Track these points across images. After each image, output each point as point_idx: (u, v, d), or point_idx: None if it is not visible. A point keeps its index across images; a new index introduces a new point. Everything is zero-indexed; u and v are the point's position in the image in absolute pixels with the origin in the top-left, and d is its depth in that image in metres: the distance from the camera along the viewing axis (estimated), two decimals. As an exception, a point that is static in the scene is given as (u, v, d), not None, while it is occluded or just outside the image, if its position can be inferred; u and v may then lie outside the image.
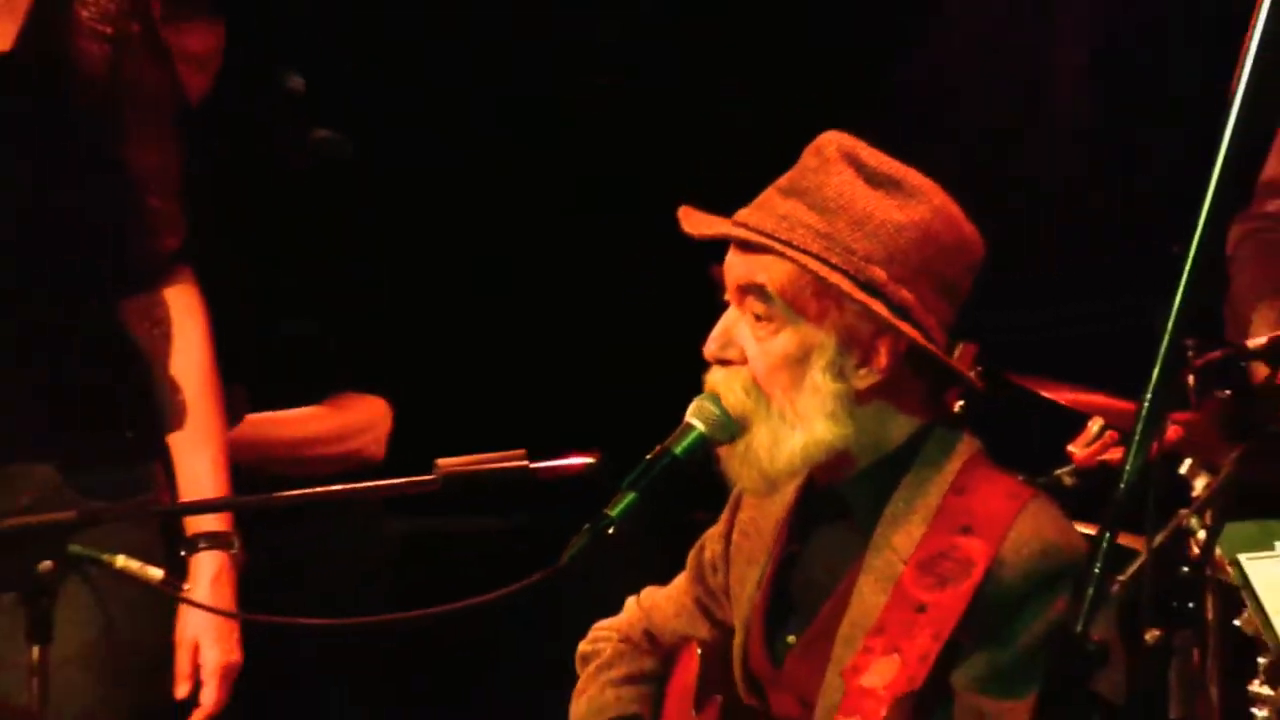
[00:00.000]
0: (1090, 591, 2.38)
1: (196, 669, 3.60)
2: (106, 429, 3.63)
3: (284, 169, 4.45)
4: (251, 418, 4.18)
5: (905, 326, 2.92)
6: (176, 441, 3.61)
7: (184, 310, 3.71)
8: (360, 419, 4.36)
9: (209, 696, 3.56)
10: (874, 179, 2.97)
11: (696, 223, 3.01)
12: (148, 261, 3.68)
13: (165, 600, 3.44)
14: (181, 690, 3.55)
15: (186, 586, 3.33)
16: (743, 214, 2.96)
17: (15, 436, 3.57)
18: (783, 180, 3.01)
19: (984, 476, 2.99)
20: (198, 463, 3.64)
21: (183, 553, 3.52)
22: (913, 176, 2.98)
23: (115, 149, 3.67)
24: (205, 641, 3.57)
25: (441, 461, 3.15)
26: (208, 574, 3.54)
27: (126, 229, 3.68)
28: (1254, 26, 2.59)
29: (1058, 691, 2.42)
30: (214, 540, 3.49)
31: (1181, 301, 2.36)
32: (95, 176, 3.68)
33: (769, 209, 2.95)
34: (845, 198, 2.97)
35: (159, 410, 3.65)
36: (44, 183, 3.64)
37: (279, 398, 4.25)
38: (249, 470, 4.02)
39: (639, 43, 6.37)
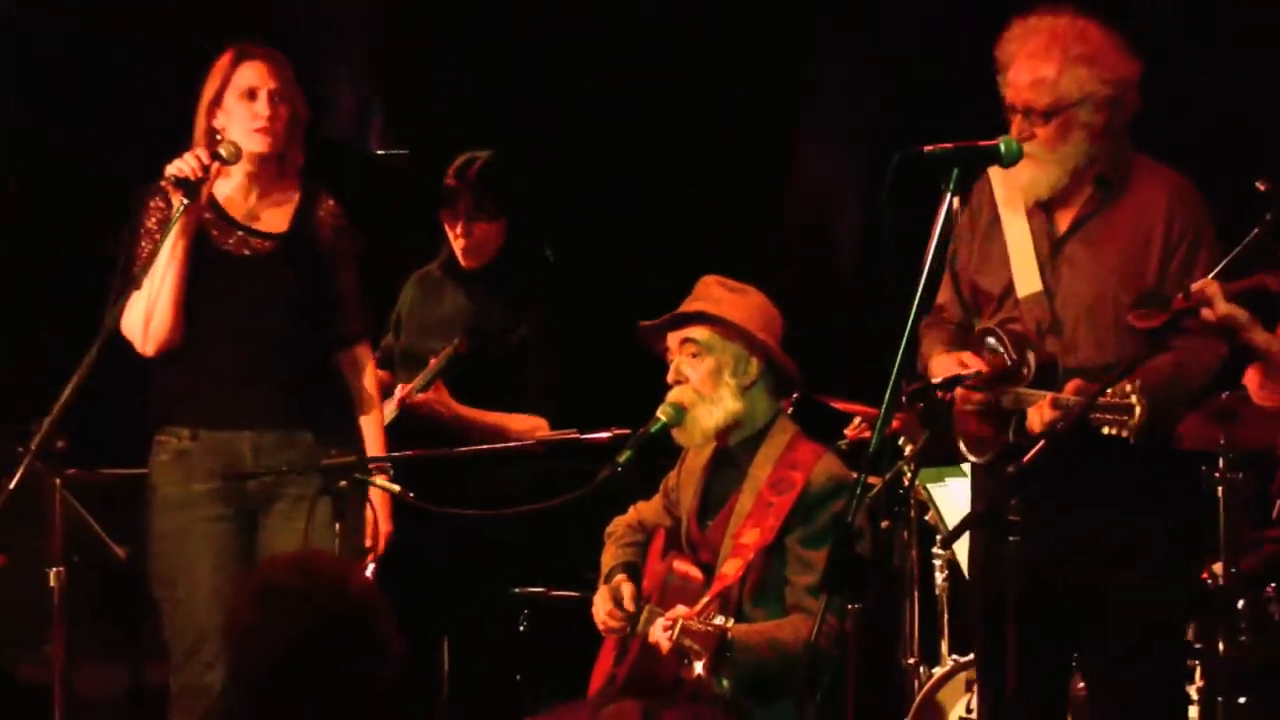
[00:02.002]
0: (854, 501, 3.78)
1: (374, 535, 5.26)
2: (332, 414, 5.27)
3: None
4: (485, 412, 5.83)
5: (767, 348, 4.78)
6: (361, 421, 5.30)
7: (364, 360, 5.35)
8: (531, 427, 5.84)
9: (380, 547, 5.22)
10: (733, 290, 4.87)
11: (647, 322, 4.91)
12: (348, 334, 5.34)
13: (361, 504, 5.12)
14: (367, 542, 5.21)
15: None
16: (677, 312, 4.86)
17: (293, 417, 5.18)
18: (688, 298, 4.89)
19: (801, 442, 4.84)
20: (370, 429, 5.30)
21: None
22: (750, 287, 4.87)
23: (334, 280, 5.28)
24: (380, 519, 5.24)
25: (538, 435, 5.07)
26: (389, 488, 5.13)
27: (338, 318, 5.32)
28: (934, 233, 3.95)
29: (839, 550, 3.78)
30: (380, 469, 5.12)
31: (901, 359, 3.86)
32: (326, 293, 5.29)
33: (688, 306, 4.86)
34: (718, 297, 4.85)
35: (351, 406, 5.33)
36: (304, 295, 5.24)
37: (501, 406, 5.92)
38: (463, 431, 5.73)
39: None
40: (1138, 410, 4.19)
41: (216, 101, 5.21)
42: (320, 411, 5.27)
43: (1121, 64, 4.60)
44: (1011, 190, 4.68)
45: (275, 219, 5.27)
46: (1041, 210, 4.67)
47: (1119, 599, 4.58)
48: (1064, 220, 4.67)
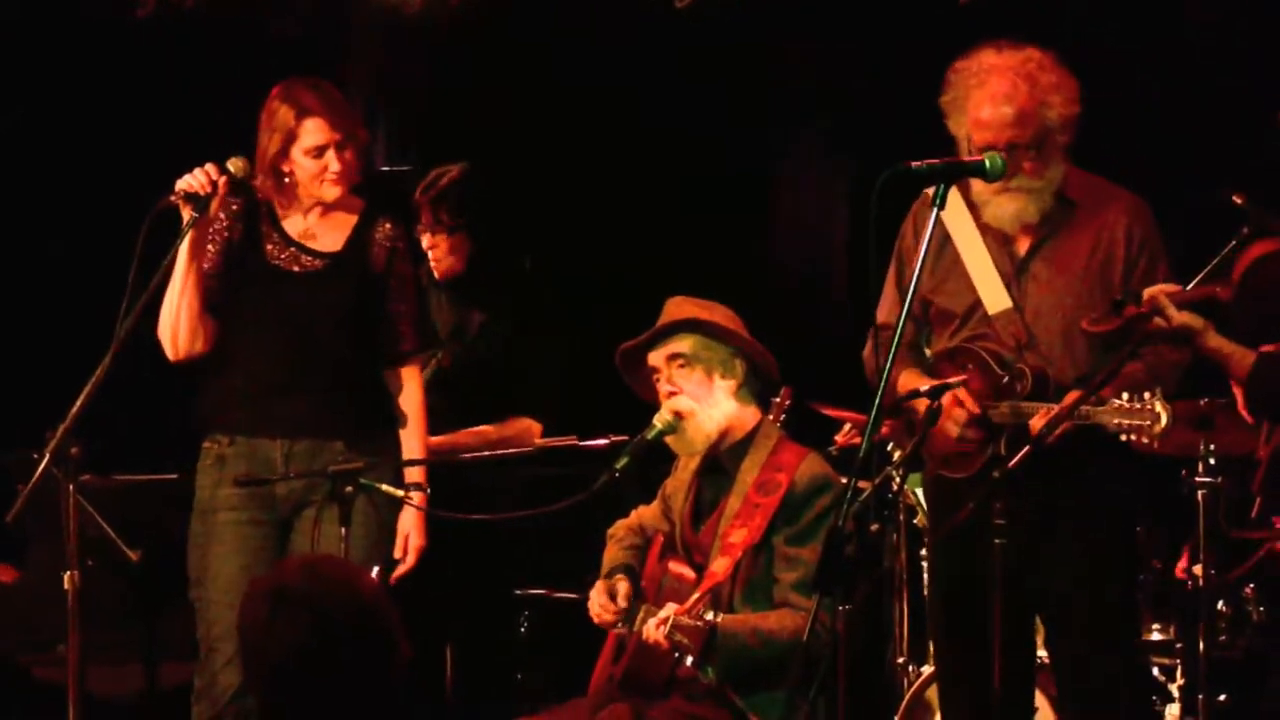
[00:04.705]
0: (845, 505, 3.93)
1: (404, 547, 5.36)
2: (370, 425, 5.38)
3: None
4: (455, 435, 5.96)
5: (750, 346, 4.95)
6: (402, 434, 5.42)
7: (411, 377, 5.45)
8: (517, 430, 6.00)
9: (410, 560, 5.34)
10: (704, 308, 5.02)
11: (628, 343, 5.06)
12: (396, 354, 5.44)
13: (393, 510, 5.26)
14: (398, 553, 5.33)
15: (417, 502, 5.18)
16: (657, 327, 4.99)
17: (327, 427, 5.27)
18: (660, 318, 5.02)
19: (786, 445, 4.98)
20: (411, 443, 5.40)
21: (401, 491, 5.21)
22: (717, 304, 5.02)
23: (384, 300, 5.39)
24: (411, 532, 5.35)
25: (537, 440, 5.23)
26: (415, 498, 5.29)
27: (386, 337, 5.42)
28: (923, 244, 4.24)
29: (831, 551, 3.96)
30: (416, 485, 5.28)
31: (889, 367, 4.07)
32: (373, 312, 5.34)
33: (667, 320, 5.00)
34: (691, 310, 4.99)
35: (394, 419, 5.43)
36: (349, 313, 5.34)
37: (498, 418, 6.08)
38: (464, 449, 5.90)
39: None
40: (1164, 418, 4.35)
41: (282, 154, 5.34)
42: (357, 424, 5.38)
43: (1077, 87, 4.74)
44: (959, 212, 4.78)
45: (331, 238, 5.41)
46: (996, 230, 4.79)
47: (1081, 594, 4.77)
48: (1024, 239, 4.79)
